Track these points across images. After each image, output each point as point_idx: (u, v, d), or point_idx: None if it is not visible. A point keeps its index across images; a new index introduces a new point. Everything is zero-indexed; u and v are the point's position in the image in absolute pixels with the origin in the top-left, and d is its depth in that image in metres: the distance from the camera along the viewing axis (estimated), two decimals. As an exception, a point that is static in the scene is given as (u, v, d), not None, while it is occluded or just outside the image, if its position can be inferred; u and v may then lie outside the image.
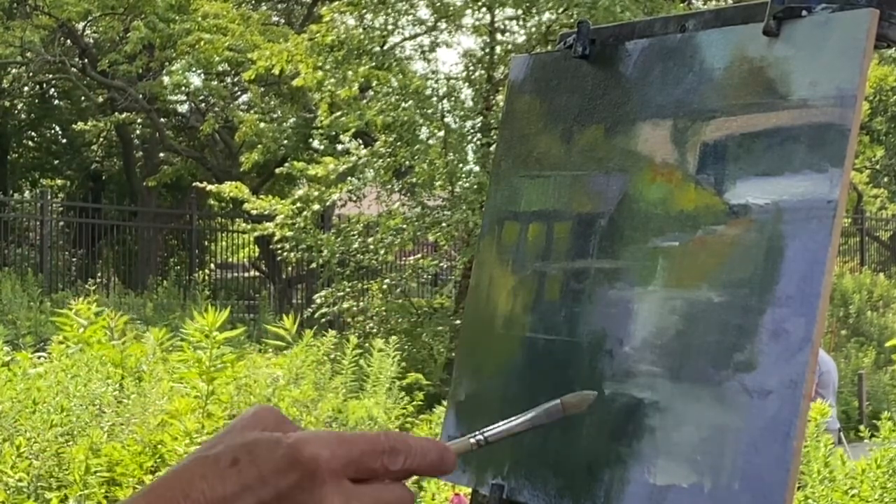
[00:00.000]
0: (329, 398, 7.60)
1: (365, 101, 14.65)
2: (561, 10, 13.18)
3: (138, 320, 10.72)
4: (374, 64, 13.35)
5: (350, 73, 13.31)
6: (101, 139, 22.27)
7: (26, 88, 23.17)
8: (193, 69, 19.45)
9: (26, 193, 23.39)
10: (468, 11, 13.97)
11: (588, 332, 1.33)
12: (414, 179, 13.50)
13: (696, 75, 1.29)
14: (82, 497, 5.48)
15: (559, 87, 1.46)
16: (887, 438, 5.26)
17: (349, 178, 13.84)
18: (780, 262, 1.16)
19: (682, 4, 15.17)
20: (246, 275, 22.64)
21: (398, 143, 13.35)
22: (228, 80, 21.41)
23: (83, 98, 21.57)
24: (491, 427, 1.01)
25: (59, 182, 24.72)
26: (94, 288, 15.36)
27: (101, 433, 5.98)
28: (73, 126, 19.99)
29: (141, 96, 19.92)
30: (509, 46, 13.97)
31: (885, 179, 24.50)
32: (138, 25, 18.04)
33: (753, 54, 1.24)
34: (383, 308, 13.81)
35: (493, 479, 1.37)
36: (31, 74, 21.40)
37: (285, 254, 13.96)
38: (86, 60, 20.74)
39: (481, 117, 13.67)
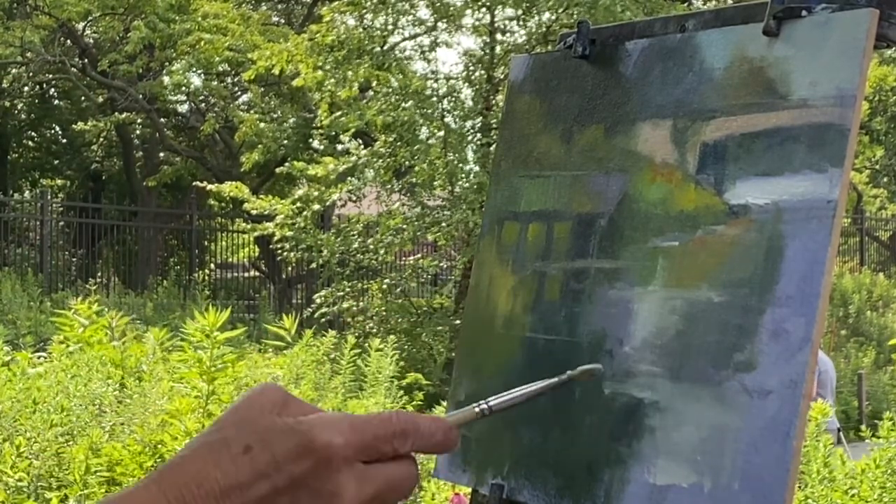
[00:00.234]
0: (329, 398, 7.60)
1: (365, 101, 14.65)
2: (561, 9, 13.18)
3: (138, 320, 10.71)
4: (374, 64, 13.35)
5: (350, 73, 13.31)
6: (101, 139, 22.27)
7: (26, 88, 23.17)
8: (193, 69, 19.45)
9: (26, 193, 23.39)
10: (468, 11, 13.98)
11: (588, 332, 1.33)
12: (414, 179, 13.50)
13: (696, 75, 1.29)
14: (82, 497, 5.48)
15: (559, 87, 1.46)
16: (886, 438, 5.26)
17: (349, 178, 13.84)
18: (780, 262, 1.16)
19: (682, 5, 15.17)
20: (246, 275, 22.64)
21: (398, 143, 13.35)
22: (228, 80, 21.41)
23: (83, 98, 21.57)
24: (495, 396, 1.01)
25: (59, 182, 24.72)
26: (94, 288, 15.36)
27: (101, 433, 5.98)
28: (73, 126, 19.99)
29: (141, 96, 19.92)
30: (509, 46, 13.97)
31: (885, 179, 24.50)
32: (138, 25, 18.04)
33: (753, 54, 1.24)
34: (383, 308, 13.81)
35: (493, 479, 1.37)
36: (31, 74, 21.40)
37: (285, 254, 13.96)
38: (86, 60, 20.74)
39: (481, 117, 13.67)
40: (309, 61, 13.45)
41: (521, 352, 1.41)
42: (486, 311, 1.48)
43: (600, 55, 1.41)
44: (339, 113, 13.46)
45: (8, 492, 5.47)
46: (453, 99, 13.73)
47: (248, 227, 14.87)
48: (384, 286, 14.09)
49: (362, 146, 13.92)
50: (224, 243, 21.73)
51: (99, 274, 19.10)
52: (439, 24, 14.17)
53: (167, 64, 20.03)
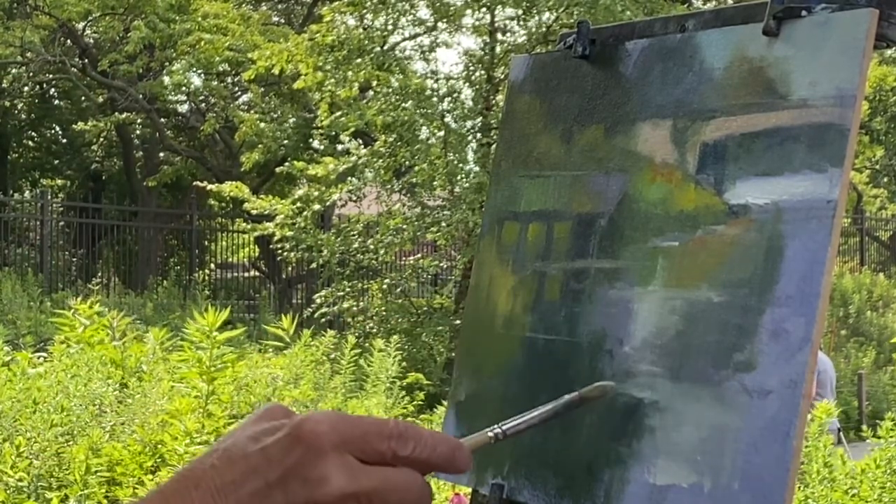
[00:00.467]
0: (329, 398, 7.60)
1: (365, 101, 14.65)
2: (561, 9, 13.18)
3: (138, 320, 10.71)
4: (374, 64, 13.35)
5: (350, 73, 13.32)
6: (101, 139, 22.26)
7: (26, 88, 23.16)
8: (193, 69, 19.46)
9: (26, 193, 23.39)
10: (468, 11, 13.98)
11: (588, 332, 1.33)
12: (414, 179, 13.50)
13: (695, 75, 1.30)
14: (82, 497, 5.48)
15: (559, 87, 1.46)
16: (886, 438, 5.26)
17: (349, 178, 13.85)
18: (779, 262, 1.16)
19: (682, 5, 15.17)
20: (246, 275, 22.64)
21: (398, 143, 13.35)
22: (228, 80, 21.41)
23: (83, 98, 21.57)
24: (509, 420, 1.01)
25: (59, 182, 24.72)
26: (94, 288, 15.36)
27: (101, 433, 5.98)
28: (73, 126, 19.98)
29: (141, 96, 19.92)
30: (509, 46, 13.98)
31: (885, 179, 24.51)
32: (138, 25, 18.04)
33: (753, 54, 1.24)
34: (383, 308, 13.82)
35: (493, 479, 1.37)
36: (31, 74, 21.40)
37: (285, 254, 13.96)
38: (86, 60, 20.74)
39: (481, 117, 13.67)
40: (309, 61, 13.45)
41: (521, 352, 1.41)
42: (486, 311, 1.48)
43: (600, 55, 1.41)
44: (339, 113, 13.46)
45: (8, 492, 5.47)
46: (453, 99, 13.74)
47: (248, 227, 14.87)
48: (384, 286, 14.09)
49: (362, 146, 13.92)
50: (224, 243, 21.73)
51: (99, 274, 19.10)
52: (439, 24, 14.17)
53: (167, 64, 20.03)
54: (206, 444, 5.75)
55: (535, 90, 1.49)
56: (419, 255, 15.52)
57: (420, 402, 8.58)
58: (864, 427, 6.32)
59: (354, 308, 14.00)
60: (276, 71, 14.05)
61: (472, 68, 14.00)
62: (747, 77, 1.24)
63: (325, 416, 0.89)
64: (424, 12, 14.21)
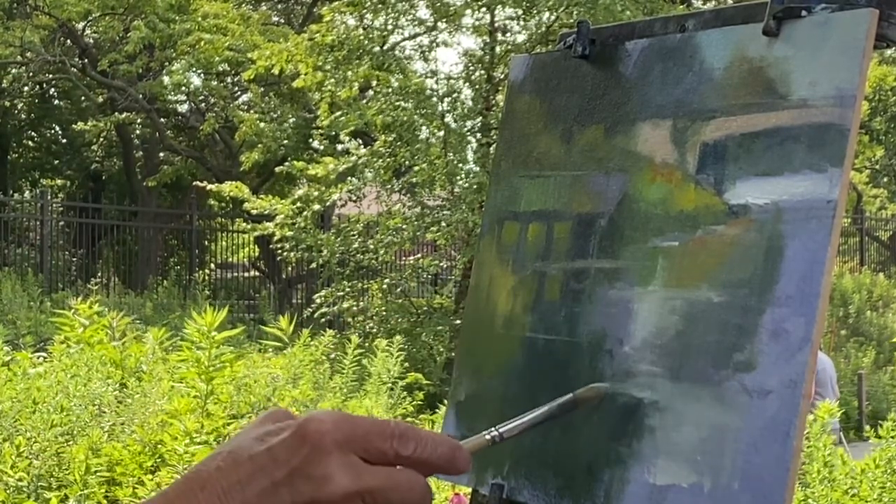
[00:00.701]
0: (329, 398, 7.60)
1: (365, 101, 14.65)
2: (561, 9, 13.18)
3: (138, 320, 10.72)
4: (374, 64, 13.35)
5: (350, 73, 13.32)
6: (101, 139, 22.27)
7: (26, 88, 23.16)
8: (193, 69, 19.46)
9: (26, 193, 23.39)
10: (468, 11, 13.98)
11: (588, 332, 1.33)
12: (414, 179, 13.50)
13: (695, 75, 1.29)
14: (82, 497, 5.48)
15: (559, 87, 1.46)
16: (887, 438, 5.26)
17: (349, 178, 13.85)
18: (779, 262, 1.16)
19: (682, 6, 15.17)
20: (246, 275, 22.64)
21: (398, 143, 13.35)
22: (228, 80, 21.41)
23: (83, 98, 21.57)
24: (506, 423, 1.01)
25: (59, 182, 24.72)
26: (94, 288, 15.36)
27: (101, 433, 5.98)
28: (73, 126, 19.99)
29: (141, 96, 19.92)
30: (509, 46, 13.98)
31: (885, 179, 24.52)
32: (138, 25, 18.04)
33: (753, 54, 1.24)
34: (383, 308, 13.82)
35: (492, 479, 1.37)
36: (31, 74, 21.40)
37: (285, 254, 13.96)
38: (86, 60, 20.74)
39: (481, 117, 13.67)
40: (309, 61, 13.45)
41: (521, 352, 1.41)
42: (486, 311, 1.48)
43: (600, 55, 1.41)
44: (339, 113, 13.46)
45: (8, 492, 5.47)
46: (453, 99, 13.74)
47: (248, 227, 14.87)
48: (384, 286, 14.09)
49: (362, 146, 13.93)
50: (224, 243, 21.73)
51: (99, 274, 19.10)
52: (439, 24, 14.17)
53: (167, 64, 20.03)
54: (205, 444, 5.76)
55: (534, 90, 1.49)
56: (419, 255, 15.51)
57: (420, 402, 8.57)
58: (867, 427, 6.32)
59: (354, 308, 14.00)
60: (275, 71, 14.05)
61: (471, 68, 14.00)
62: (747, 77, 1.24)
63: (329, 415, 0.89)
64: (424, 12, 14.22)
